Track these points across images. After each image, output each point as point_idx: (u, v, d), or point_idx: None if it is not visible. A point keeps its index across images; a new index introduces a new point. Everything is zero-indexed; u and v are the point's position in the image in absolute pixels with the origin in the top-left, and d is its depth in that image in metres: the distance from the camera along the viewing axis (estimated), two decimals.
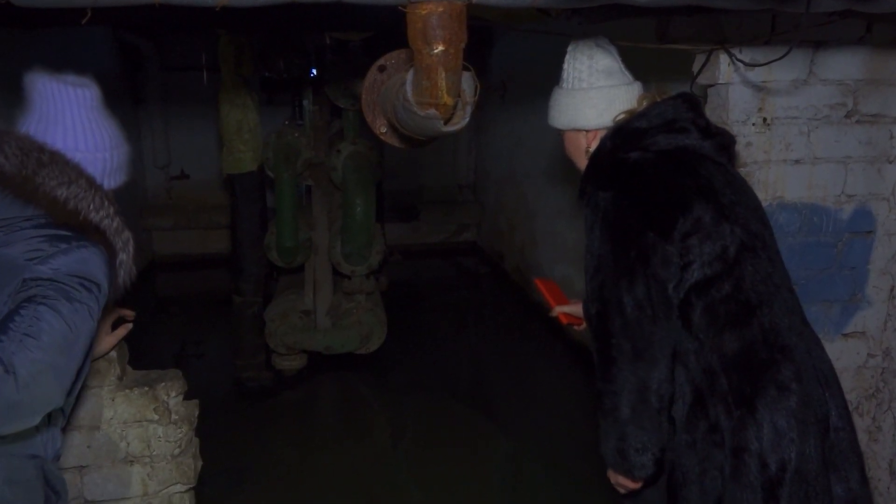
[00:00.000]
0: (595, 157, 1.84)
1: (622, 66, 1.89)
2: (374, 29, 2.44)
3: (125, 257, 1.58)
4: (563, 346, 5.38)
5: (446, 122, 1.56)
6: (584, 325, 2.05)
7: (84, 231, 1.49)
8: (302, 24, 2.88)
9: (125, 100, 7.15)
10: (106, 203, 1.55)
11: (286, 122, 5.11)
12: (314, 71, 4.75)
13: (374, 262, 4.89)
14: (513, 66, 6.64)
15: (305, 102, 4.84)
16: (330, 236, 4.88)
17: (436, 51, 1.41)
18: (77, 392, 1.62)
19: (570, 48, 1.90)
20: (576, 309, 2.14)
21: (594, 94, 1.84)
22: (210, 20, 3.36)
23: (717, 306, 1.68)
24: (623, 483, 1.81)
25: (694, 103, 1.84)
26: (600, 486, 3.31)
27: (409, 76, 1.53)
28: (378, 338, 4.99)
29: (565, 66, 1.91)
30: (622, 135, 1.80)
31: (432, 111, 1.50)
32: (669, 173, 1.74)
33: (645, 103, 1.84)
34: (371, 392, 4.92)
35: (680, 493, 1.74)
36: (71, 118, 1.58)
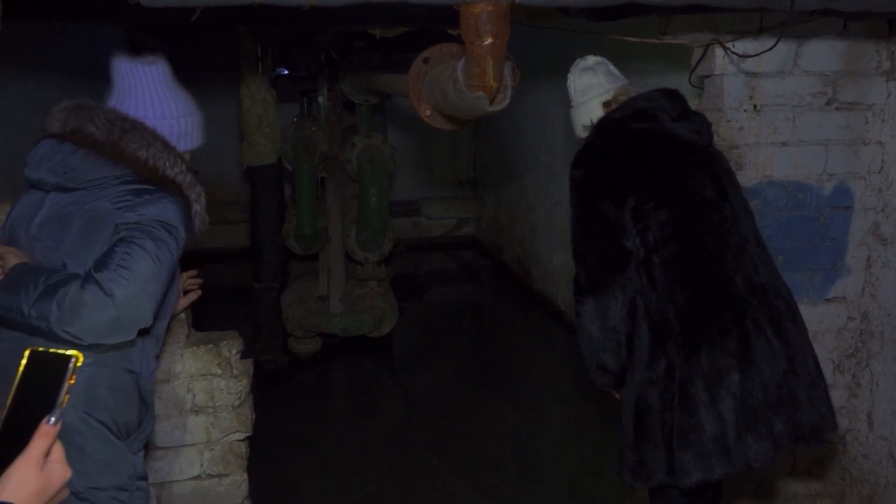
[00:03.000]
0: (582, 145, 2.24)
1: (602, 77, 2.28)
2: (422, 25, 2.71)
3: (199, 208, 1.89)
4: (562, 331, 5.67)
5: (491, 103, 1.84)
6: None
7: (163, 185, 1.79)
8: (338, 21, 3.13)
9: None
10: (179, 161, 1.86)
11: (294, 119, 5.36)
12: (326, 69, 5.02)
13: (386, 250, 5.16)
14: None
15: (321, 98, 5.10)
16: (343, 226, 5.15)
17: (485, 42, 1.69)
18: (167, 320, 1.92)
19: (569, 71, 2.34)
20: None
21: (579, 109, 2.30)
22: (239, 19, 3.60)
23: (671, 262, 2.03)
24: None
25: (670, 94, 2.20)
26: (599, 451, 3.60)
27: (460, 64, 1.81)
28: (390, 321, 5.27)
29: (567, 87, 2.36)
30: (602, 124, 2.20)
31: (480, 93, 1.78)
32: (626, 153, 2.13)
33: (623, 98, 2.22)
34: (384, 372, 5.18)
35: (643, 420, 2.07)
36: (142, 90, 1.85)
